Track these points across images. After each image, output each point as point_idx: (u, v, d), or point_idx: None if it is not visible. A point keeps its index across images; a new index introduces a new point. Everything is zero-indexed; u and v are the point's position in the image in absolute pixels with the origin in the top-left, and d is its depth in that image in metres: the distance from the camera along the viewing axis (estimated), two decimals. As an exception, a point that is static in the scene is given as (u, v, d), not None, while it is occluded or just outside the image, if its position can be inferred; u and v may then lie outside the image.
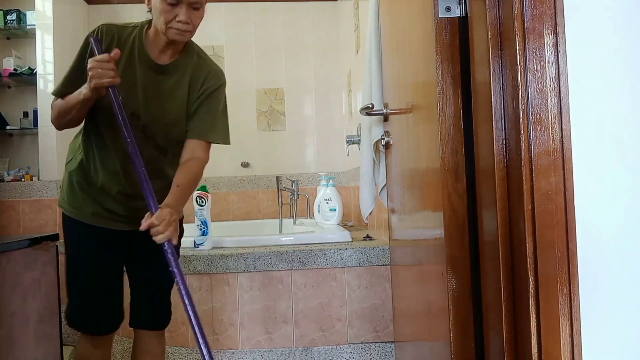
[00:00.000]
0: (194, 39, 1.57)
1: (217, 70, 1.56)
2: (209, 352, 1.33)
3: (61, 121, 1.47)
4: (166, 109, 1.48)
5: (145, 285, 1.60)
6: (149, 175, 1.37)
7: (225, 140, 1.55)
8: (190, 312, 1.33)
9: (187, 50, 1.53)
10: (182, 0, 1.35)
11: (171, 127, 1.50)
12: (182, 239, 2.22)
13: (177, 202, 1.42)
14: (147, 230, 1.34)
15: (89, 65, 1.30)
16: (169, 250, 1.34)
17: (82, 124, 1.53)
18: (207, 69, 1.54)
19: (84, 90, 1.35)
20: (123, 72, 1.40)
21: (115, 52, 1.35)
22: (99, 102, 1.40)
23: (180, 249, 2.13)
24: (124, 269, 1.59)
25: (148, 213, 1.34)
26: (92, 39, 1.37)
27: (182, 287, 1.33)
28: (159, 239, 1.31)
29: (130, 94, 1.43)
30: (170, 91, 1.48)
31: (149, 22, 1.48)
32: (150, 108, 1.47)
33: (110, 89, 1.33)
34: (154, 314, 1.62)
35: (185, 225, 3.18)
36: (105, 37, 1.43)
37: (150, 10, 1.44)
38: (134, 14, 3.40)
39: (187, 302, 1.32)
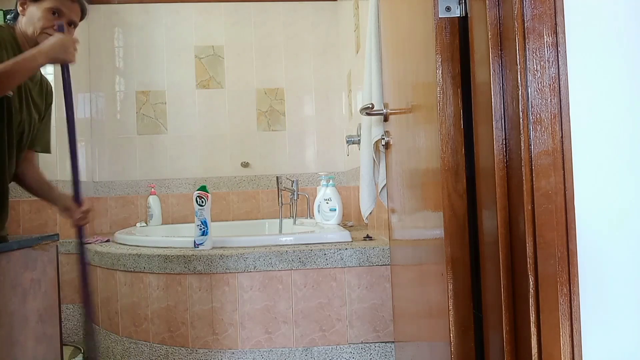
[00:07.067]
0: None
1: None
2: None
3: None
4: (35, 112, 1.60)
5: None
6: (6, 180, 1.54)
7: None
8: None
9: None
10: (64, 14, 1.51)
11: (35, 128, 1.62)
12: (183, 239, 2.23)
13: None
14: None
15: (59, 40, 1.43)
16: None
17: None
18: (45, 79, 1.68)
19: (40, 59, 1.42)
20: None
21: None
22: None
23: (181, 249, 2.15)
24: None
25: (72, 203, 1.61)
26: (58, 25, 1.50)
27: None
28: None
29: (14, 98, 1.51)
30: (37, 95, 1.61)
31: (9, 27, 1.56)
32: (27, 111, 1.57)
33: (65, 67, 1.52)
34: None
35: (185, 225, 3.19)
36: None
37: (14, 17, 1.55)
38: (134, 14, 3.40)
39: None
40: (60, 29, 1.49)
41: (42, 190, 1.69)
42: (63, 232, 2.86)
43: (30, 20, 1.51)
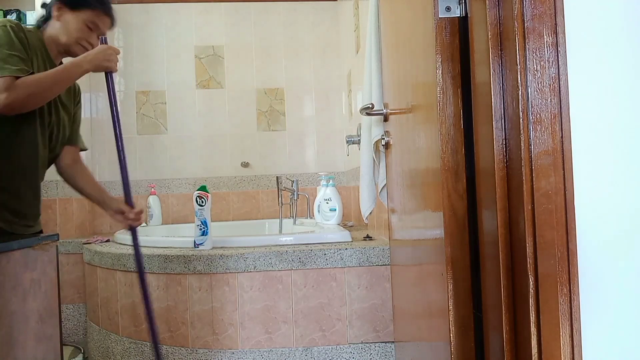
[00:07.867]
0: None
1: None
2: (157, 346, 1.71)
3: (37, 99, 1.46)
4: (64, 113, 1.65)
5: None
6: (39, 177, 1.62)
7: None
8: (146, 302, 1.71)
9: None
10: (99, 28, 1.57)
11: (66, 129, 1.67)
12: (183, 239, 2.23)
13: None
14: None
15: (104, 50, 1.51)
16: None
17: None
18: None
19: (86, 66, 1.50)
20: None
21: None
22: None
23: (181, 249, 2.15)
24: None
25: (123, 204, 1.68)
26: (103, 37, 1.58)
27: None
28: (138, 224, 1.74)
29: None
30: (66, 95, 1.65)
31: (37, 31, 1.56)
32: (56, 112, 1.60)
33: (110, 75, 1.60)
34: None
35: (185, 225, 3.19)
36: (20, 32, 1.47)
37: (44, 20, 1.56)
38: (134, 14, 3.40)
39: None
40: (103, 41, 1.57)
41: (94, 193, 1.74)
42: (63, 232, 2.86)
43: (65, 28, 1.53)
